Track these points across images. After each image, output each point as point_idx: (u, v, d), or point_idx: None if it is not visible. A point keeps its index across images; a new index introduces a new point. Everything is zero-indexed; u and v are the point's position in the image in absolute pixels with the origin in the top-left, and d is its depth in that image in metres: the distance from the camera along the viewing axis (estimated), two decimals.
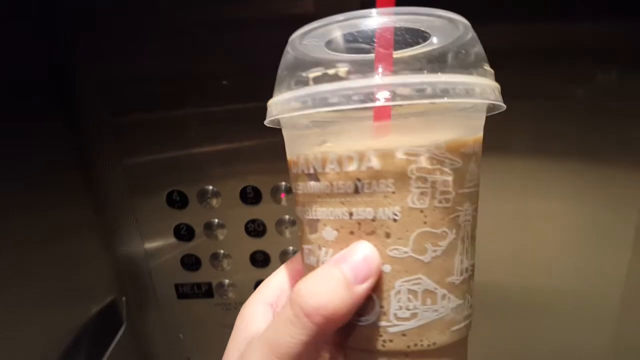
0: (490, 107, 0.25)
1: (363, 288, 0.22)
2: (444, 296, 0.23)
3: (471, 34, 0.24)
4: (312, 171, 0.24)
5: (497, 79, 0.24)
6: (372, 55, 0.22)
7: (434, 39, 0.24)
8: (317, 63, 0.23)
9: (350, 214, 0.23)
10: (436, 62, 0.22)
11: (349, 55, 0.23)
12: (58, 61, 0.48)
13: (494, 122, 0.45)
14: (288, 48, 0.25)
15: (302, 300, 0.21)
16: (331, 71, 0.22)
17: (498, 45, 0.44)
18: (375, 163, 0.22)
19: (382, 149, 0.22)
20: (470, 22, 0.24)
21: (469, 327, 0.25)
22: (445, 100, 0.21)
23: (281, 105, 0.23)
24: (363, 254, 0.22)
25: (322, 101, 0.21)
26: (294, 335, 0.21)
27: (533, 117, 0.47)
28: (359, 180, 0.22)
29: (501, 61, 0.26)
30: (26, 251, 0.42)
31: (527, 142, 0.49)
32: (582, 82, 0.46)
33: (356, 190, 0.22)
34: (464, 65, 0.22)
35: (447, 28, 0.24)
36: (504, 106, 0.24)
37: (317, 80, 0.22)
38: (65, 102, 0.49)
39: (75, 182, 0.51)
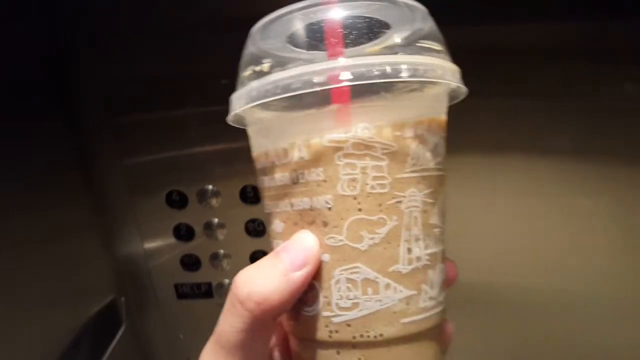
0: (454, 95, 0.25)
1: (299, 275, 0.22)
2: (387, 286, 0.22)
3: (430, 21, 0.24)
4: (261, 166, 0.25)
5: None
6: (311, 53, 0.23)
7: (394, 35, 0.24)
8: (251, 61, 0.24)
9: (292, 205, 0.23)
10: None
11: (287, 50, 0.24)
12: (58, 61, 0.48)
13: (494, 120, 0.45)
14: (248, 43, 0.25)
15: (236, 287, 0.21)
16: (257, 68, 0.23)
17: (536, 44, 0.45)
18: (304, 153, 0.22)
19: (309, 138, 0.22)
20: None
21: (431, 321, 0.24)
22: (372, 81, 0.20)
23: (235, 102, 0.24)
24: (301, 243, 0.22)
25: (252, 98, 0.22)
26: (232, 324, 0.21)
27: (527, 115, 0.47)
28: (294, 171, 0.23)
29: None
30: (26, 251, 0.42)
31: (528, 140, 0.49)
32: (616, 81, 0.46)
33: (293, 181, 0.23)
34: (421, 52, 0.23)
35: (404, 15, 0.24)
36: (465, 89, 0.24)
37: (250, 78, 0.23)
38: (65, 102, 0.49)
39: (75, 182, 0.51)
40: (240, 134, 0.50)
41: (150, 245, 0.55)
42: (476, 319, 0.58)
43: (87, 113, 0.50)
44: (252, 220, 0.54)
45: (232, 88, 0.47)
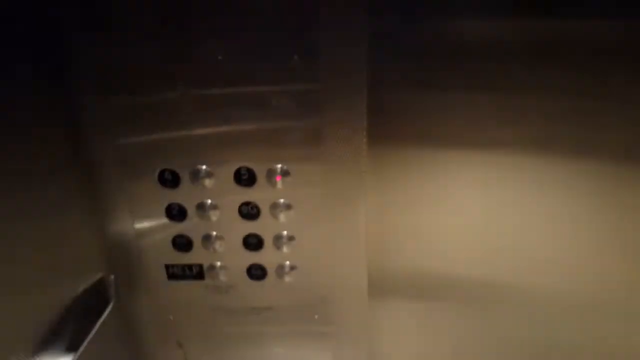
0: None
1: None
2: None
3: None
4: None
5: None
6: None
7: None
8: None
9: None
10: None
11: None
12: (51, 38, 0.46)
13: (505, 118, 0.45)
14: None
15: None
16: None
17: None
18: None
19: None
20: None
21: None
22: None
23: None
24: None
25: None
26: None
27: (537, 115, 0.47)
28: None
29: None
30: (15, 225, 0.42)
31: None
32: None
33: None
34: None
35: None
36: None
37: None
38: (58, 78, 0.47)
39: (66, 157, 0.49)
40: (236, 116, 0.49)
41: (141, 224, 0.54)
42: (474, 317, 0.58)
43: (80, 91, 0.48)
44: (246, 203, 0.53)
45: (229, 70, 0.46)
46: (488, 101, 0.47)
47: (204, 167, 0.51)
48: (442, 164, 0.51)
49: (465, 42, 0.46)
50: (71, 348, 0.48)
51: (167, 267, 0.57)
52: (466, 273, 0.56)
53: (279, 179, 0.51)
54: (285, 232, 0.54)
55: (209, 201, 0.53)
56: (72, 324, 0.49)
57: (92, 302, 0.53)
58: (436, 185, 0.52)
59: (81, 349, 0.48)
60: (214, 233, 0.55)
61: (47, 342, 0.46)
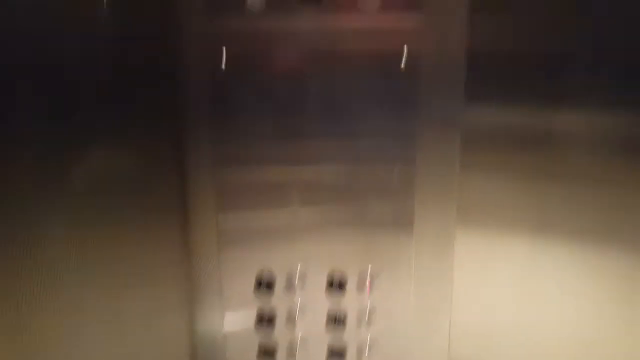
0: None
1: None
2: None
3: None
4: None
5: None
6: None
7: None
8: None
9: None
10: None
11: None
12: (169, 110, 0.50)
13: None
14: None
15: None
16: None
17: None
18: None
19: None
20: None
21: None
22: None
23: None
24: None
25: None
26: None
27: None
28: None
29: None
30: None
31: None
32: None
33: None
34: None
35: None
36: None
37: None
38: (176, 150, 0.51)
39: (174, 249, 0.52)
40: (332, 219, 0.51)
41: (230, 329, 0.55)
42: None
43: (193, 164, 0.52)
44: (334, 311, 0.54)
45: (332, 169, 0.50)
46: (581, 192, 0.47)
47: (298, 271, 0.53)
48: (529, 255, 0.51)
49: (559, 133, 0.47)
50: None
51: None
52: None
53: (368, 285, 0.53)
54: (369, 338, 0.54)
55: (298, 308, 0.54)
56: None
57: None
58: (523, 278, 0.51)
59: None
60: (299, 339, 0.55)
61: None
